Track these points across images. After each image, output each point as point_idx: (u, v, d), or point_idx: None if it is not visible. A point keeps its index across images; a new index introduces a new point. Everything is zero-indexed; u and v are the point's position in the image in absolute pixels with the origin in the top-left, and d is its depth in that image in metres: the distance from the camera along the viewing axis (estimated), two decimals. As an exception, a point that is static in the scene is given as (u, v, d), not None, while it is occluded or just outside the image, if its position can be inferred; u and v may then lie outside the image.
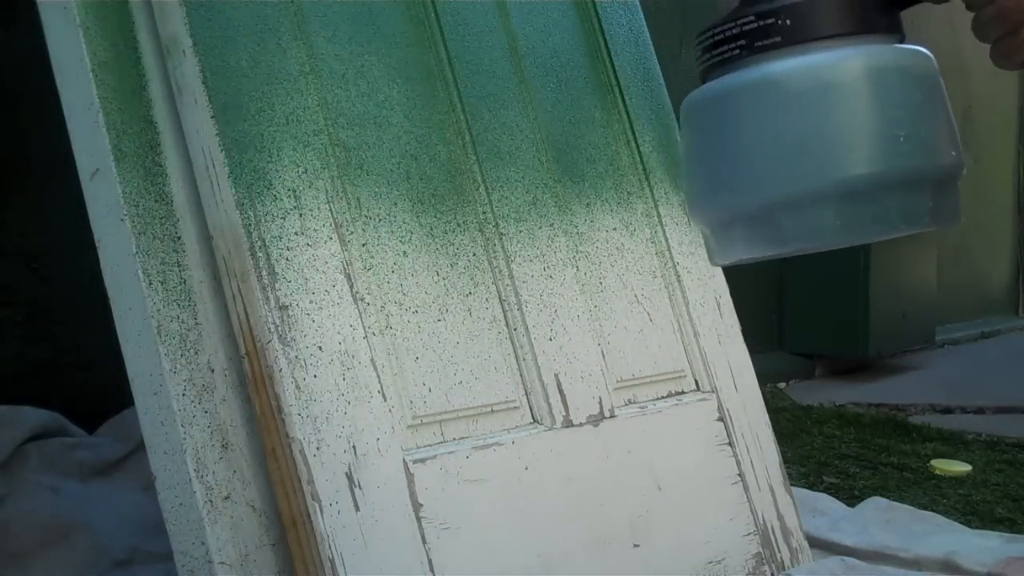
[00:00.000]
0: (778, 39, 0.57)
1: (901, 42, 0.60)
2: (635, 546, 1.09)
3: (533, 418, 1.08)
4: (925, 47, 0.59)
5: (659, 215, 1.31)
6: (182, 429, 0.84)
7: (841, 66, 0.57)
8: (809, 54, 0.57)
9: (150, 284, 0.86)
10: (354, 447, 0.89)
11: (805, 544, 1.30)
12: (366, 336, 0.94)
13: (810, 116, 0.57)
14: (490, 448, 1.00)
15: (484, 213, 1.11)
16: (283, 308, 0.88)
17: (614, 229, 1.26)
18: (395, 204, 1.03)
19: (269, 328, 0.87)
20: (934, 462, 1.92)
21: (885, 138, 0.56)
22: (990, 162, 4.55)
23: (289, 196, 0.93)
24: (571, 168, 1.24)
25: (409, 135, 1.07)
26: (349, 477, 0.87)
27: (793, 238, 0.59)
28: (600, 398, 1.14)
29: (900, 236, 0.60)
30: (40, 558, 1.16)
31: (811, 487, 1.73)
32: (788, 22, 0.57)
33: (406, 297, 1.00)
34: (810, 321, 3.18)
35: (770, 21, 0.57)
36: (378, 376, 0.93)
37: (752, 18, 0.58)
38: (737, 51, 0.59)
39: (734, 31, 0.59)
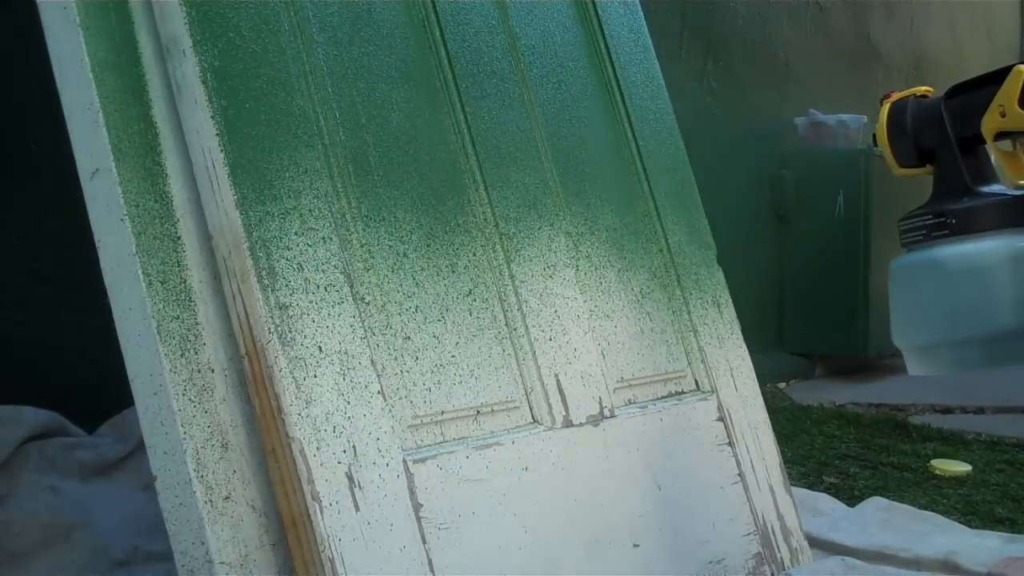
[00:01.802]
0: (947, 232, 0.85)
1: None
2: (635, 546, 1.09)
3: (533, 418, 1.08)
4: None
5: (659, 215, 1.31)
6: (182, 429, 0.84)
7: (985, 251, 0.83)
8: (966, 243, 0.84)
9: (150, 284, 0.86)
10: (354, 447, 0.89)
11: (805, 544, 1.30)
12: (366, 336, 0.94)
13: (964, 286, 0.84)
14: (490, 448, 1.00)
15: (484, 213, 1.11)
16: (283, 308, 0.89)
17: (614, 229, 1.26)
18: (395, 204, 1.03)
19: (269, 328, 0.87)
20: (934, 462, 1.92)
21: (1018, 301, 0.81)
22: (990, 162, 4.53)
23: (289, 196, 0.93)
24: (571, 168, 1.24)
25: (409, 135, 1.07)
26: (349, 477, 0.87)
27: (951, 366, 0.88)
28: (600, 398, 1.14)
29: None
30: (40, 558, 1.16)
31: (811, 487, 1.73)
32: (954, 220, 0.85)
33: (406, 297, 1.00)
34: (810, 321, 3.18)
35: (941, 219, 0.85)
36: (378, 376, 0.93)
37: (930, 216, 0.86)
38: (921, 237, 0.87)
39: (918, 224, 0.87)
